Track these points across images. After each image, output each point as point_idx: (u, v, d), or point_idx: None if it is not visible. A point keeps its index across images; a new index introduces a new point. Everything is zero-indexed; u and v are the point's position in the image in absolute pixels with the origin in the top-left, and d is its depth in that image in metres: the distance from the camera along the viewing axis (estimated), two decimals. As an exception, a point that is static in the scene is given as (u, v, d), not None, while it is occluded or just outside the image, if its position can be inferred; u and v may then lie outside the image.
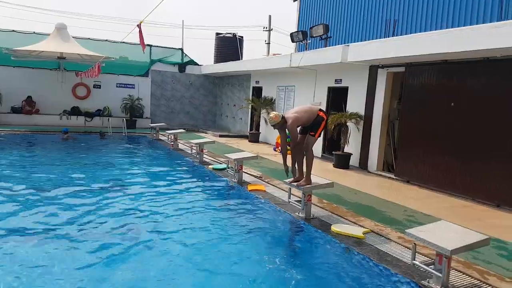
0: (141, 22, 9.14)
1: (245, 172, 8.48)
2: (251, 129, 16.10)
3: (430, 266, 3.82)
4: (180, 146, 12.88)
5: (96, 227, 5.11)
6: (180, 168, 9.78)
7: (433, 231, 3.98)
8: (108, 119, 16.38)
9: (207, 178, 8.62)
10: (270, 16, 25.87)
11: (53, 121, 16.24)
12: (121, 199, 6.49)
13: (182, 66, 19.41)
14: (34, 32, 16.52)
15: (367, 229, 5.28)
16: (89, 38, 17.34)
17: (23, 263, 3.95)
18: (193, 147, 11.25)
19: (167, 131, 13.85)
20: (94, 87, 17.54)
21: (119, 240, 4.69)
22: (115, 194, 6.82)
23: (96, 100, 17.53)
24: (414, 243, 3.97)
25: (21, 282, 3.59)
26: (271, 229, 5.55)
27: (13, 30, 16.49)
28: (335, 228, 5.24)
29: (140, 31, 9.11)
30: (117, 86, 17.98)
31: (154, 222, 5.47)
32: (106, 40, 17.94)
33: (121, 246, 4.53)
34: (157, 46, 18.89)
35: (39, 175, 8.08)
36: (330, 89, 11.77)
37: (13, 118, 15.85)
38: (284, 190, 7.16)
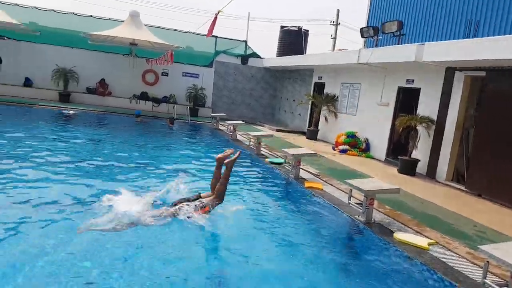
0: (219, 12, 9.39)
1: (302, 169, 8.42)
2: (309, 126, 15.92)
3: (504, 288, 3.54)
4: (239, 137, 13.09)
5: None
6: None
7: (509, 251, 3.68)
8: (174, 106, 17.09)
9: (264, 171, 8.68)
10: (338, 10, 25.33)
11: (123, 104, 17.28)
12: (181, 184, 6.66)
13: (245, 58, 19.66)
14: (109, 18, 17.63)
15: (433, 241, 5.00)
16: (159, 27, 18.16)
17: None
18: (251, 139, 11.40)
19: (226, 122, 14.15)
20: (162, 75, 18.37)
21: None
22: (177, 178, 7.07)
23: (163, 87, 18.35)
24: (487, 261, 3.69)
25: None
26: (327, 229, 5.46)
27: (91, 16, 17.71)
28: (398, 235, 5.03)
29: (215, 19, 9.38)
30: (183, 75, 18.66)
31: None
32: (175, 30, 18.67)
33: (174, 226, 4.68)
34: (222, 38, 19.29)
35: (115, 154, 8.67)
36: (401, 90, 11.26)
37: (88, 98, 17.09)
38: (343, 191, 7.01)
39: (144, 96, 17.91)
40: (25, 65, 16.64)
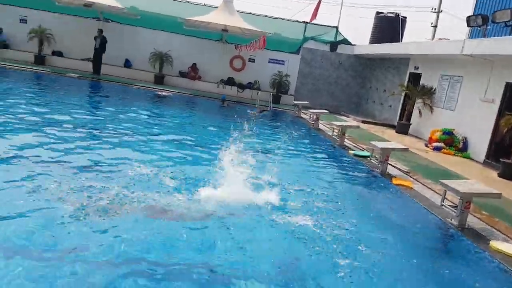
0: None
1: (390, 164, 8.09)
2: (400, 119, 15.14)
3: None
4: (321, 126, 12.96)
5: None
6: (319, 149, 9.90)
7: None
8: (258, 92, 17.45)
9: (347, 163, 8.53)
10: (440, -4, 23.37)
11: (211, 88, 18.11)
12: (260, 170, 6.70)
13: (334, 45, 19.22)
14: (204, 4, 18.44)
15: (538, 255, 4.52)
16: (250, 13, 18.53)
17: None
18: (334, 129, 11.20)
19: (309, 110, 14.08)
20: (249, 61, 18.81)
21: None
22: (257, 164, 7.15)
23: (249, 73, 18.80)
24: None
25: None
26: (415, 230, 5.23)
27: (187, 1, 18.67)
28: (495, 244, 4.64)
29: (319, 3, 9.38)
30: (269, 62, 18.90)
31: (289, 196, 5.65)
32: (266, 16, 18.89)
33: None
34: (312, 24, 19.04)
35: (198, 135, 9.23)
36: (509, 86, 10.13)
37: (180, 81, 18.23)
38: (436, 192, 6.61)
39: (230, 82, 18.55)
40: (126, 47, 18.23)
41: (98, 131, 8.09)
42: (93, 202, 4.32)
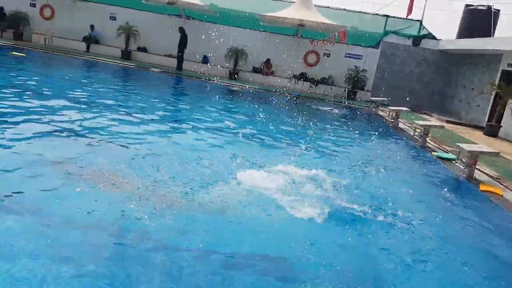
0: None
1: (477, 169, 7.56)
2: (489, 120, 13.99)
3: None
4: (401, 125, 12.46)
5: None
6: (399, 149, 9.53)
7: None
8: (331, 87, 17.23)
9: (430, 165, 8.13)
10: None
11: (283, 84, 18.24)
12: (332, 170, 6.54)
13: (417, 40, 18.28)
14: (281, 0, 18.58)
15: None
16: (328, 7, 18.29)
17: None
18: (416, 129, 10.72)
19: (388, 107, 13.57)
20: (323, 56, 18.61)
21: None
22: (327, 163, 7.15)
23: (323, 68, 18.61)
24: None
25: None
26: (505, 244, 4.85)
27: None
28: None
29: None
30: (345, 56, 18.52)
31: (369, 198, 5.57)
32: (344, 9, 18.51)
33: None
34: (394, 17, 18.26)
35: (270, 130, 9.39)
36: None
37: (253, 76, 18.62)
38: (532, 201, 6.06)
39: (302, 77, 18.50)
40: (204, 44, 19.01)
41: (175, 122, 8.58)
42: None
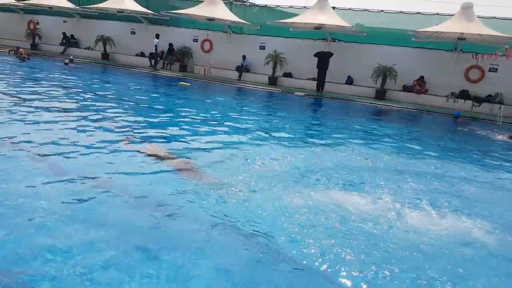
0: None
1: None
2: None
3: None
4: None
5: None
6: None
7: None
8: (500, 106, 15.17)
9: None
10: None
11: (439, 103, 16.84)
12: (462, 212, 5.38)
13: None
14: (437, 13, 17.39)
15: None
16: (494, 17, 16.39)
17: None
18: None
19: None
20: (489, 71, 16.62)
21: None
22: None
23: (488, 84, 16.60)
24: None
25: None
26: None
27: (418, 13, 18.00)
28: None
29: None
30: (517, 71, 16.21)
31: None
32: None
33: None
34: None
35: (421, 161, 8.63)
36: None
37: (402, 95, 17.69)
38: None
39: (464, 95, 16.77)
40: (348, 64, 18.97)
41: (314, 145, 8.41)
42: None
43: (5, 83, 12.86)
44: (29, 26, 27.07)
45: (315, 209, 4.63)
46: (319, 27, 17.74)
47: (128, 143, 6.81)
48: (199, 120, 10.07)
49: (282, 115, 12.70)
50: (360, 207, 4.85)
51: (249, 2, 23.69)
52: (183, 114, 10.84)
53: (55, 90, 12.61)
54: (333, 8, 18.30)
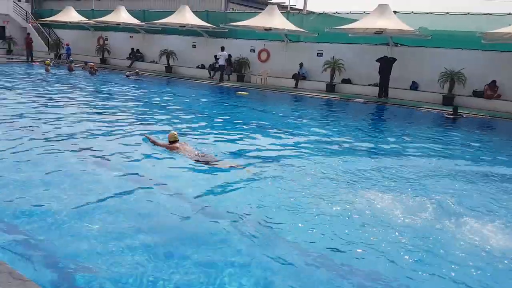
0: None
1: None
2: None
3: None
4: None
5: None
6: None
7: None
8: None
9: None
10: None
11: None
12: None
13: None
14: (509, 13, 16.28)
15: None
16: None
17: None
18: None
19: None
20: None
21: None
22: None
23: None
24: None
25: None
26: None
27: (488, 13, 16.96)
28: None
29: None
30: None
31: None
32: None
33: None
34: None
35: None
36: None
37: (472, 101, 16.66)
38: None
39: (542, 99, 15.47)
40: (413, 69, 18.25)
41: (376, 156, 8.14)
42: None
43: (78, 94, 14.01)
44: (99, 42, 29.21)
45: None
46: (380, 32, 17.32)
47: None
48: (259, 128, 10.25)
49: (346, 122, 12.51)
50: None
51: (307, 10, 23.70)
52: (242, 122, 11.10)
53: (116, 100, 13.59)
54: (395, 12, 17.78)
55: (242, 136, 9.15)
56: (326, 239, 4.19)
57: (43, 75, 19.90)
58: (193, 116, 11.81)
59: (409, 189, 5.79)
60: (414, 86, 18.31)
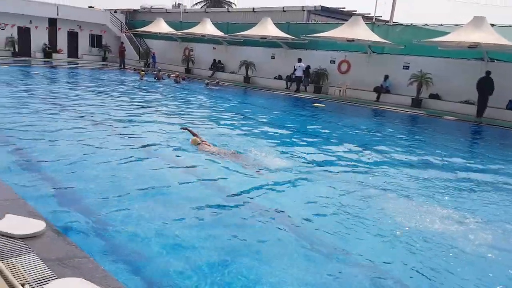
0: None
1: None
2: None
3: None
4: None
5: None
6: None
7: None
8: None
9: None
10: None
11: None
12: None
13: None
14: None
15: None
16: None
17: None
18: None
19: None
20: None
21: None
22: None
23: None
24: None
25: None
26: None
27: None
28: None
29: None
30: None
31: None
32: None
33: None
34: None
35: None
36: None
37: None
38: None
39: None
40: (510, 87, 16.56)
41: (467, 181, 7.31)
42: None
43: (164, 100, 14.86)
44: (184, 52, 30.86)
45: None
46: (474, 46, 16.03)
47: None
48: (334, 140, 9.97)
49: (439, 143, 11.60)
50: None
51: (393, 22, 22.77)
52: (318, 134, 10.88)
53: (197, 107, 14.20)
54: (492, 25, 16.33)
55: (314, 148, 9.01)
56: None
57: (136, 81, 21.64)
58: (265, 123, 11.96)
59: None
60: (510, 106, 16.61)
